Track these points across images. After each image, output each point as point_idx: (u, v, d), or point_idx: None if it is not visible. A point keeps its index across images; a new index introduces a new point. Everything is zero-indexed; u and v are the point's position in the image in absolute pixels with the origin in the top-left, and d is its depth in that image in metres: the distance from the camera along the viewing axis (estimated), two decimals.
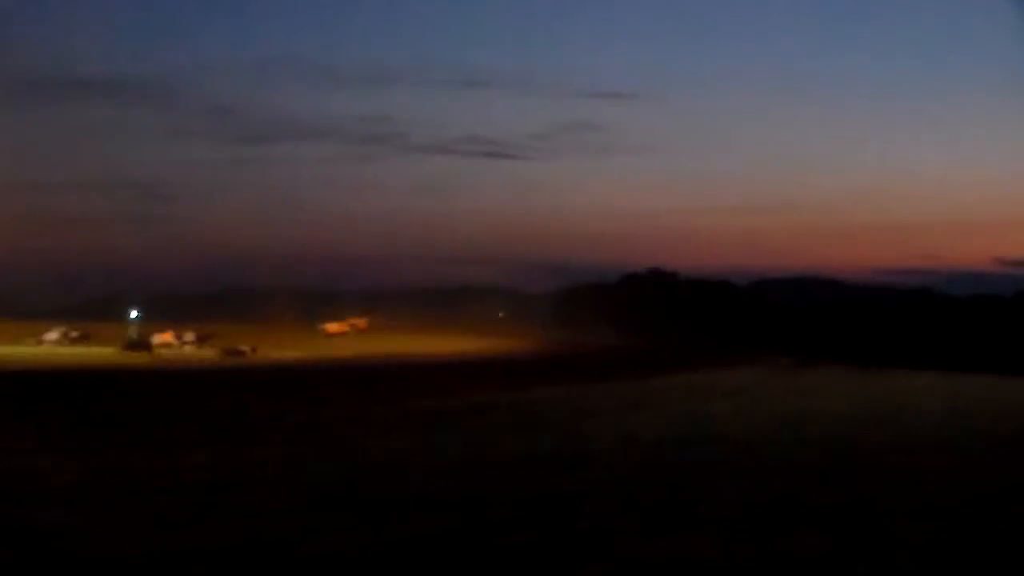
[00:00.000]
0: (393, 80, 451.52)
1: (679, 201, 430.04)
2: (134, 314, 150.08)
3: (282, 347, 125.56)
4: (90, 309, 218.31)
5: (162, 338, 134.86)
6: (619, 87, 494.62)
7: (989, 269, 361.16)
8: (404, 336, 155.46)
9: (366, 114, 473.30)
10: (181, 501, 16.68)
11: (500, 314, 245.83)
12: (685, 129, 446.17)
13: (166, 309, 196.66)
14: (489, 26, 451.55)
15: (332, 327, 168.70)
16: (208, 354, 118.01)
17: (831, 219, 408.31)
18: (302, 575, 11.61)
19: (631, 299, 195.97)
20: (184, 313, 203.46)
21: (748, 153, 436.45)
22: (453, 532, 13.86)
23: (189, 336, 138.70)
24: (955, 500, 17.26)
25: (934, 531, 14.29)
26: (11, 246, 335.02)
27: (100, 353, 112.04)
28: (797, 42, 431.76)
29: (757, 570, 11.88)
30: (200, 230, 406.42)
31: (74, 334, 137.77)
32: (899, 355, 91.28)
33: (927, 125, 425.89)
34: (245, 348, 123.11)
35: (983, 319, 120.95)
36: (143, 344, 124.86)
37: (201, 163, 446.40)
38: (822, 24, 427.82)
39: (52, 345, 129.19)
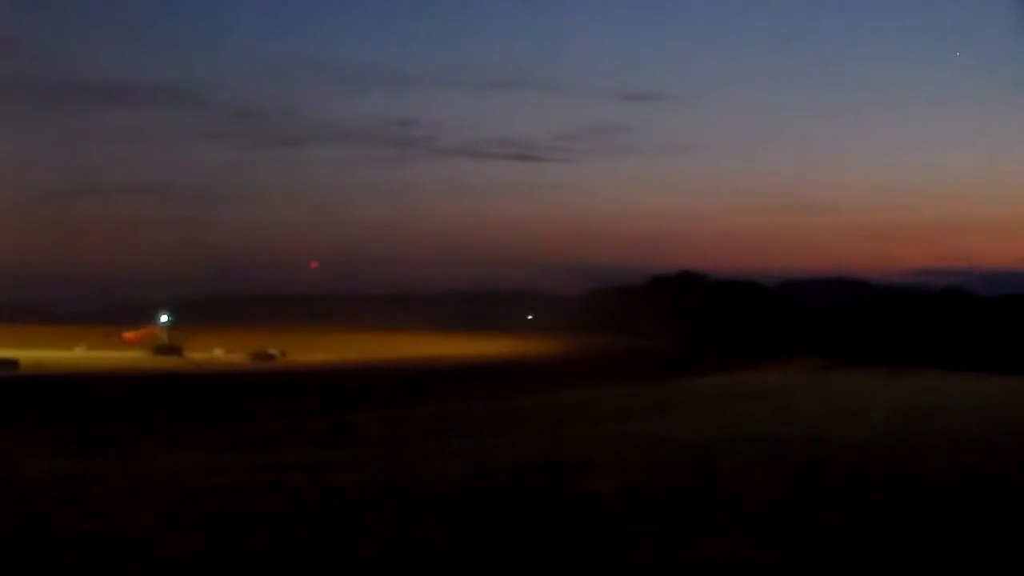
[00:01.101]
0: (421, 83, 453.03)
1: (707, 202, 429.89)
2: (164, 318, 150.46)
3: (311, 350, 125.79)
4: (120, 313, 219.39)
5: None
6: (646, 88, 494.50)
7: (1021, 269, 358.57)
8: (428, 340, 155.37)
9: (395, 117, 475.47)
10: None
11: (528, 316, 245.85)
12: (712, 130, 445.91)
13: (195, 312, 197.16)
14: (516, 28, 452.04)
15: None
16: (238, 358, 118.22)
17: (861, 219, 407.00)
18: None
19: (660, 301, 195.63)
20: (213, 317, 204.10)
21: (777, 153, 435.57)
22: (481, 533, 13.82)
23: None
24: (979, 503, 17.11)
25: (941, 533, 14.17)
26: (41, 251, 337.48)
27: (130, 357, 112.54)
28: (825, 42, 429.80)
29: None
30: (229, 233, 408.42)
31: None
32: (930, 356, 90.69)
33: (958, 124, 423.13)
34: (275, 352, 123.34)
35: (1016, 319, 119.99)
36: (174, 348, 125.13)
37: (231, 167, 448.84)
38: (850, 24, 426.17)
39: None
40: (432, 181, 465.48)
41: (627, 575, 11.70)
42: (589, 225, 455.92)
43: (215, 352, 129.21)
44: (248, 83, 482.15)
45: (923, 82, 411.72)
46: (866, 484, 19.20)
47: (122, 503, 16.73)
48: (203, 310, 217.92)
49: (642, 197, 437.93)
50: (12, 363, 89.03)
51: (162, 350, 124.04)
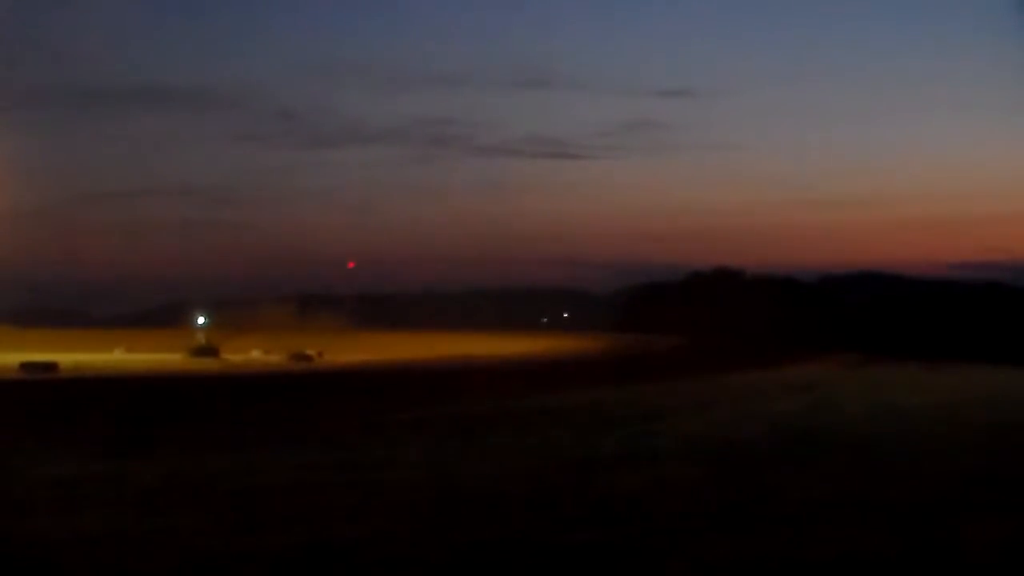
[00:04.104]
0: (456, 82, 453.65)
1: (744, 198, 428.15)
2: (202, 320, 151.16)
3: (348, 351, 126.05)
4: (158, 315, 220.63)
5: None
6: (682, 84, 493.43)
7: None
8: (465, 339, 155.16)
9: (430, 117, 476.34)
10: None
11: (564, 315, 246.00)
12: (749, 126, 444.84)
13: (233, 314, 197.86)
14: (550, 26, 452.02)
15: None
16: (275, 359, 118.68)
17: (899, 214, 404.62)
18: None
19: (697, 298, 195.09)
20: (250, 318, 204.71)
21: (813, 149, 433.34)
22: (527, 531, 13.76)
23: None
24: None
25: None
26: (79, 254, 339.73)
27: (167, 359, 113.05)
28: (862, 37, 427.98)
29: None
30: (267, 235, 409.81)
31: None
32: (970, 350, 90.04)
33: (997, 116, 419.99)
34: (312, 352, 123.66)
35: None
36: (211, 350, 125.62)
37: (267, 168, 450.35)
38: (885, 19, 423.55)
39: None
40: (468, 180, 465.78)
41: (669, 573, 11.62)
42: (625, 222, 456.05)
43: (253, 353, 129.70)
44: (283, 85, 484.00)
45: (960, 76, 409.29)
46: (909, 480, 19.01)
47: (159, 504, 16.77)
48: (240, 311, 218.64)
49: (678, 194, 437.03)
50: (51, 366, 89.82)
51: (199, 351, 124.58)
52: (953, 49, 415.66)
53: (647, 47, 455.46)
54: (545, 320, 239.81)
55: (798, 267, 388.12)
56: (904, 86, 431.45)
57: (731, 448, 25.53)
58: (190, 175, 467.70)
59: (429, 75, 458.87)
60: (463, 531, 13.92)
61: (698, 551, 12.60)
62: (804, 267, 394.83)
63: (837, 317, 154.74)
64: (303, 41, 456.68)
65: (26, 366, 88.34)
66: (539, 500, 16.79)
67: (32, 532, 14.13)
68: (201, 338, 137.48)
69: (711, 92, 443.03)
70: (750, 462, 22.30)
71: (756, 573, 11.69)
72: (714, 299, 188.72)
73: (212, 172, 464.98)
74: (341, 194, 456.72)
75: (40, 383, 69.47)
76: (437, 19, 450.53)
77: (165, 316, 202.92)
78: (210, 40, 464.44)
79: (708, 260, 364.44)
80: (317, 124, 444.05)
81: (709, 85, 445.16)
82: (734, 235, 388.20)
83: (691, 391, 53.46)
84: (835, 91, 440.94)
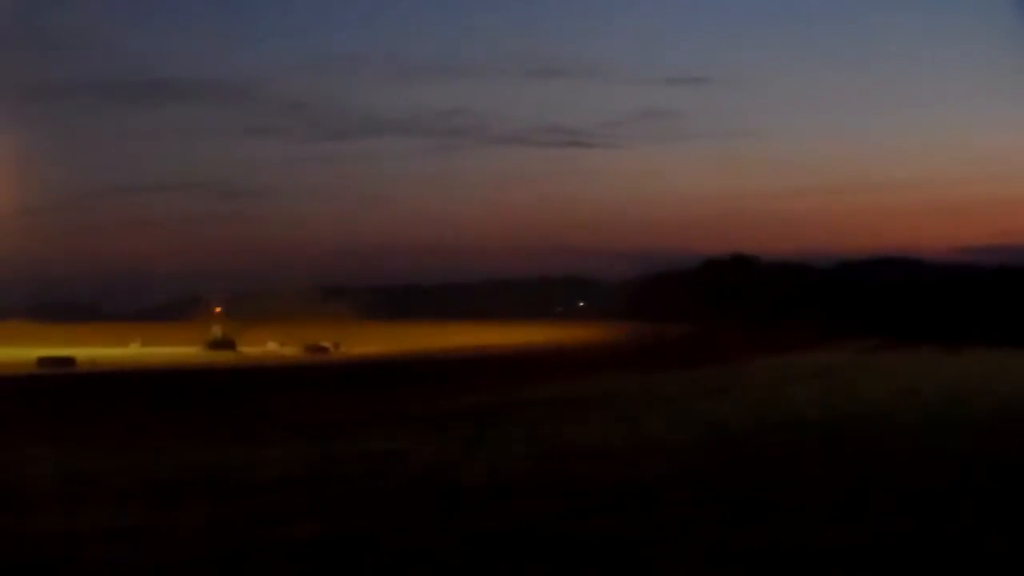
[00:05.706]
0: (468, 72, 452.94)
1: (758, 184, 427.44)
2: (217, 313, 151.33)
3: (363, 343, 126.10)
4: (171, 309, 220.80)
5: None
6: (694, 72, 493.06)
7: None
8: (480, 329, 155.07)
9: (442, 107, 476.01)
10: None
11: (580, 303, 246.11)
12: (762, 112, 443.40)
13: (248, 307, 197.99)
14: (562, 15, 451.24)
15: None
16: (291, 352, 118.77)
17: (914, 198, 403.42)
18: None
19: (713, 285, 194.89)
20: (265, 311, 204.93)
21: (826, 134, 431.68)
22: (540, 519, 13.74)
23: None
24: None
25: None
26: (91, 249, 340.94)
27: (183, 353, 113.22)
28: (871, 21, 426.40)
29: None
30: (279, 228, 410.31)
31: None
32: (986, 334, 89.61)
33: (1008, 100, 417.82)
34: (328, 345, 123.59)
35: None
36: (227, 343, 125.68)
37: (279, 161, 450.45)
38: (899, 5, 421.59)
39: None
40: (481, 170, 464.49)
41: (683, 560, 11.58)
42: (640, 210, 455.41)
43: (268, 346, 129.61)
44: (295, 77, 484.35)
45: (973, 62, 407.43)
46: (925, 464, 18.91)
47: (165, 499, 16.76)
48: (255, 304, 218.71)
49: (692, 181, 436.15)
50: (69, 361, 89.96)
51: (216, 344, 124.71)
52: (966, 35, 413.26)
53: (660, 35, 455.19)
54: (560, 309, 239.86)
55: (813, 253, 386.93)
56: (918, 72, 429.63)
57: (741, 435, 25.47)
58: (202, 168, 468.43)
59: (441, 65, 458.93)
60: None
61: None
62: (819, 253, 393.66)
63: (852, 303, 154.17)
64: (313, 33, 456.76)
65: (44, 361, 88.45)
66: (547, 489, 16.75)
67: (51, 527, 14.12)
68: (217, 331, 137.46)
69: (724, 79, 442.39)
70: (756, 448, 22.24)
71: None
72: (729, 286, 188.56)
73: (224, 165, 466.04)
74: (353, 186, 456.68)
75: (58, 378, 69.76)
76: (448, 8, 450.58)
77: (180, 310, 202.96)
78: (220, 32, 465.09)
79: (723, 247, 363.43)
80: (328, 116, 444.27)
81: (722, 73, 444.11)
82: (749, 222, 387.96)
83: (707, 378, 53.43)
84: (849, 78, 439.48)
